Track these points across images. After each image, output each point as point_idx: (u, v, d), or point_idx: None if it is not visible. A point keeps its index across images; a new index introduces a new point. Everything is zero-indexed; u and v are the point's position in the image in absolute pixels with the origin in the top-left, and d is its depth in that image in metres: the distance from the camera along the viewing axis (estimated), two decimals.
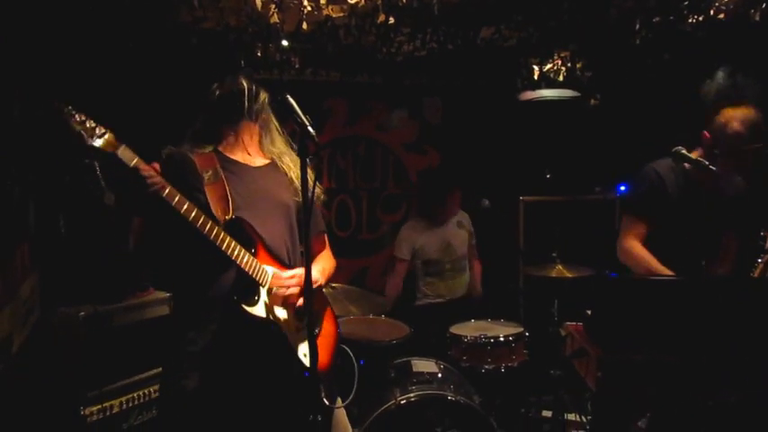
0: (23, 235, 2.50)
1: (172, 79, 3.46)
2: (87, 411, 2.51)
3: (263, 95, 1.85)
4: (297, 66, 3.69)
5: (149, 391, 2.75)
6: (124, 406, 2.66)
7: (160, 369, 2.74)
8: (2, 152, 2.26)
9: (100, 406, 2.56)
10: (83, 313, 2.54)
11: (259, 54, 3.46)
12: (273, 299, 1.73)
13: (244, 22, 3.07)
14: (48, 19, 2.65)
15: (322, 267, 1.98)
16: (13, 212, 2.39)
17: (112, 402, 2.61)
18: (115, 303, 2.69)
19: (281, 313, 1.75)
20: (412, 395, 2.58)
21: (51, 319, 2.59)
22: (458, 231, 3.73)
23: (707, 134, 2.34)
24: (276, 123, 1.91)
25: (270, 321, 1.70)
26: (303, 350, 1.75)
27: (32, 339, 2.47)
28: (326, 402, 1.80)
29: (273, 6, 2.76)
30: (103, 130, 1.44)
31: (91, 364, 2.55)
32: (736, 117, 2.28)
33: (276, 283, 1.74)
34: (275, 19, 2.85)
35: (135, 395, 2.70)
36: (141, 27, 3.06)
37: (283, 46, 3.42)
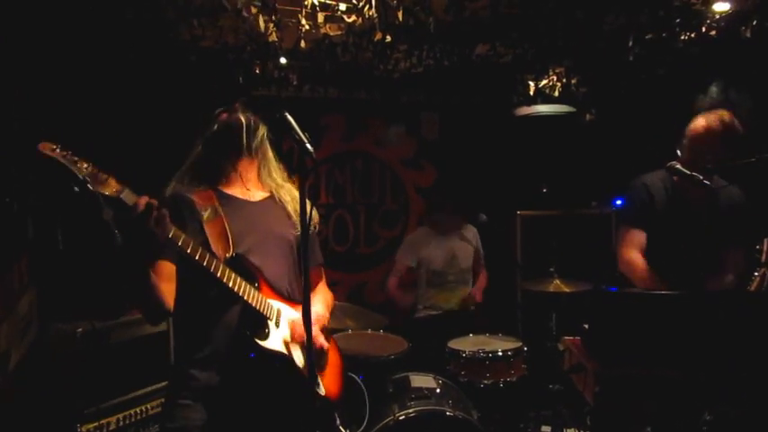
0: (22, 250, 2.51)
1: (171, 96, 3.49)
2: (84, 428, 2.49)
3: (262, 130, 1.82)
4: (295, 83, 3.72)
5: (146, 408, 2.73)
6: (121, 423, 2.64)
7: (157, 385, 2.75)
8: (1, 168, 2.28)
9: (97, 423, 2.54)
10: (80, 329, 2.54)
11: (257, 71, 3.50)
12: (283, 332, 1.73)
13: (242, 41, 3.11)
14: (47, 34, 2.68)
15: (325, 302, 1.98)
16: (11, 227, 2.40)
17: (109, 419, 2.59)
18: (113, 319, 2.68)
19: (292, 346, 1.75)
20: (410, 411, 2.57)
21: (49, 336, 2.58)
22: (464, 244, 3.73)
23: (683, 137, 2.42)
24: (273, 155, 1.90)
25: (284, 354, 1.69)
26: (317, 381, 1.76)
27: (30, 355, 2.47)
28: (342, 430, 1.80)
29: (272, 25, 2.80)
30: (105, 176, 1.41)
31: (88, 380, 2.53)
32: (703, 114, 2.37)
33: (296, 326, 1.74)
34: (273, 37, 2.89)
35: (132, 412, 2.68)
36: (140, 45, 3.09)
37: (281, 64, 3.46)
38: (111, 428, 2.59)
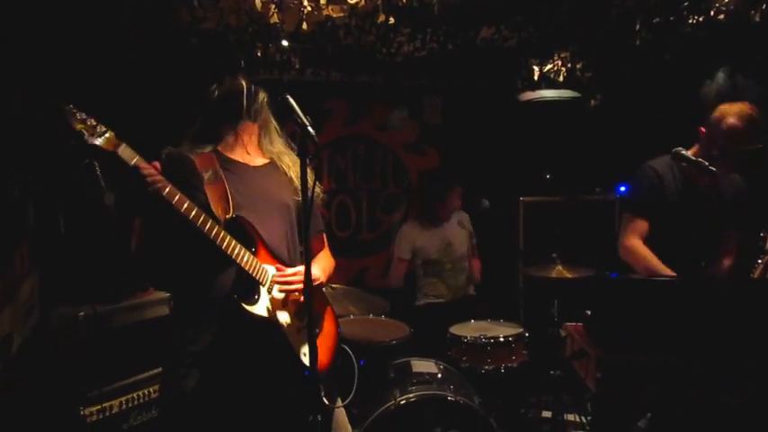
0: (23, 235, 2.50)
1: (172, 79, 3.46)
2: (87, 412, 2.51)
3: (262, 95, 1.85)
4: (297, 66, 3.69)
5: (149, 392, 2.74)
6: (124, 406, 2.65)
7: (160, 369, 2.75)
8: (2, 152, 2.27)
9: (99, 406, 2.56)
10: (82, 314, 2.54)
11: (259, 54, 3.46)
12: (274, 298, 1.73)
13: (244, 23, 3.07)
14: (48, 18, 2.65)
15: (322, 266, 1.98)
16: (12, 213, 2.39)
17: (112, 403, 2.61)
18: (115, 304, 2.68)
19: (281, 312, 1.75)
20: (411, 395, 2.58)
21: (51, 320, 2.59)
22: (458, 231, 3.73)
23: (703, 129, 2.35)
24: (275, 123, 1.91)
25: (270, 320, 1.70)
26: (304, 350, 1.75)
27: (32, 340, 2.47)
28: (326, 402, 1.79)
29: (273, 6, 2.76)
30: (104, 129, 1.44)
31: (90, 364, 2.54)
32: (731, 112, 2.29)
33: (279, 279, 1.74)
34: (275, 19, 2.86)
35: (135, 395, 2.70)
36: (141, 27, 3.06)
37: (283, 46, 3.42)
38: (113, 412, 2.61)
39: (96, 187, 2.63)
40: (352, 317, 3.05)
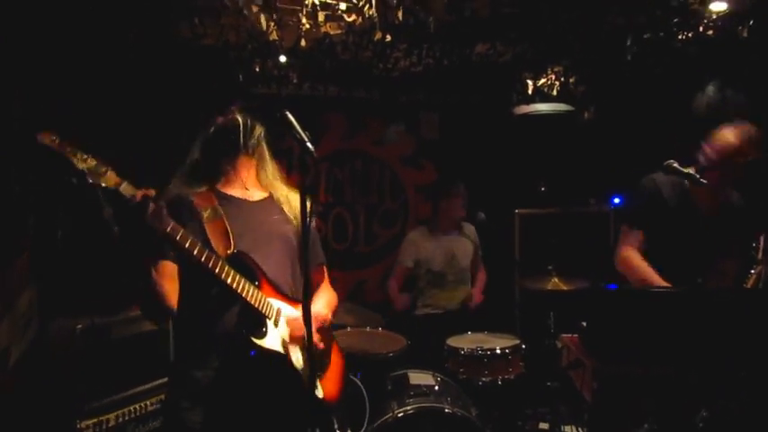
0: (22, 247, 2.51)
1: (172, 94, 3.49)
2: (83, 424, 2.50)
3: (259, 129, 1.83)
4: (295, 81, 3.73)
5: (145, 405, 2.74)
6: (120, 419, 2.64)
7: (157, 382, 2.75)
8: (2, 163, 2.28)
9: (96, 419, 2.55)
10: (80, 326, 2.54)
11: (258, 70, 3.50)
12: (281, 331, 1.73)
13: (243, 39, 3.11)
14: (49, 29, 2.69)
15: (327, 302, 1.97)
16: (11, 224, 2.40)
17: (108, 416, 2.60)
18: (113, 316, 2.69)
19: (290, 346, 1.75)
20: (409, 408, 2.58)
21: (49, 332, 2.59)
22: (463, 242, 3.73)
23: (707, 147, 2.38)
24: (270, 155, 1.90)
25: (281, 354, 1.69)
26: (315, 382, 1.76)
27: (30, 352, 2.47)
28: None
29: (273, 24, 2.81)
30: (105, 168, 1.41)
31: (88, 376, 2.54)
32: (732, 131, 2.32)
33: (294, 325, 1.74)
34: (274, 36, 2.90)
35: (131, 408, 2.69)
36: (142, 42, 3.10)
37: (282, 62, 3.46)
38: (110, 425, 2.60)
39: (94, 200, 2.64)
40: (348, 329, 3.06)
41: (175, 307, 1.65)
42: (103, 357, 2.60)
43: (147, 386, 2.74)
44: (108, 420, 2.60)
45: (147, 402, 2.74)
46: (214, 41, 3.12)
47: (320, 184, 4.48)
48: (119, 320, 2.70)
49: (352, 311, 3.10)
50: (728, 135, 2.31)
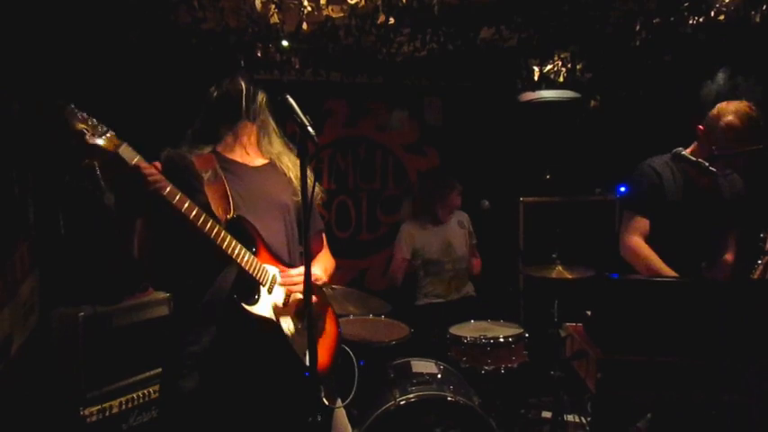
0: (23, 235, 2.50)
1: (172, 79, 3.46)
2: (86, 412, 2.51)
3: (261, 96, 1.85)
4: (297, 66, 3.69)
5: (149, 392, 2.75)
6: (123, 407, 2.65)
7: (159, 370, 2.75)
8: (2, 151, 2.27)
9: (99, 407, 2.56)
10: (82, 314, 2.54)
11: (259, 54, 3.46)
12: (275, 298, 1.73)
13: (244, 23, 3.07)
14: (47, 18, 2.65)
15: (323, 266, 1.99)
16: (12, 212, 2.39)
17: (112, 403, 2.61)
18: (115, 304, 2.69)
19: (282, 313, 1.75)
20: (411, 396, 2.58)
21: (51, 320, 2.59)
22: (458, 231, 3.73)
23: (701, 127, 2.35)
24: (274, 124, 1.91)
25: (271, 320, 1.70)
26: (304, 350, 1.74)
27: (32, 340, 2.47)
28: (327, 403, 1.79)
29: (273, 7, 2.76)
30: (105, 129, 1.44)
31: (90, 364, 2.54)
32: (729, 110, 2.29)
33: (285, 280, 1.74)
34: (275, 19, 2.85)
35: (134, 396, 2.70)
36: (141, 28, 3.06)
37: (283, 46, 3.42)
38: (113, 412, 2.61)
39: (96, 187, 2.63)
40: (352, 317, 3.05)
41: (168, 261, 1.66)
42: (106, 345, 2.60)
43: (150, 374, 2.75)
44: (111, 407, 2.61)
45: (150, 390, 2.75)
46: (214, 26, 3.08)
47: (323, 171, 4.46)
48: (121, 308, 2.70)
49: (357, 299, 3.09)
50: (729, 116, 2.28)
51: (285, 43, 3.36)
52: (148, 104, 3.36)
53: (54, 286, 2.71)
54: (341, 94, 4.43)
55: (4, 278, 2.18)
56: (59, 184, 2.76)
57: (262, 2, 2.67)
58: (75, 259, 2.76)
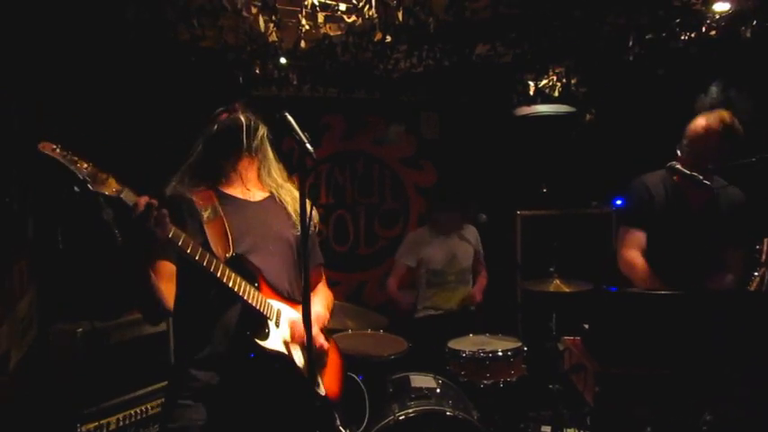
0: (22, 251, 2.51)
1: (171, 96, 3.49)
2: (84, 428, 2.50)
3: (262, 130, 1.82)
4: (295, 82, 3.72)
5: (146, 408, 2.73)
6: (121, 423, 2.64)
7: (157, 386, 2.75)
8: (1, 167, 2.28)
9: (97, 423, 2.55)
10: (80, 330, 2.54)
11: (257, 71, 3.50)
12: (283, 332, 1.73)
13: (242, 41, 3.11)
14: (47, 33, 2.68)
15: (325, 303, 1.98)
16: (11, 228, 2.40)
17: (109, 419, 2.60)
18: (113, 320, 2.69)
19: (292, 345, 1.75)
20: (410, 411, 2.57)
21: (49, 336, 2.58)
22: (463, 244, 3.73)
23: (683, 139, 2.41)
24: (273, 155, 1.90)
25: (284, 354, 1.69)
26: (315, 381, 1.76)
27: (30, 356, 2.47)
28: (342, 430, 1.80)
29: (272, 25, 2.80)
30: (105, 175, 1.42)
31: (88, 380, 2.54)
32: (705, 116, 2.36)
33: (296, 327, 1.74)
34: (274, 37, 2.89)
35: (132, 412, 2.69)
36: (140, 45, 3.09)
37: (281, 63, 3.46)
38: (111, 428, 2.60)
39: (95, 203, 2.63)
40: (350, 331, 3.05)
41: (172, 307, 1.65)
42: (104, 361, 2.60)
43: (148, 390, 2.74)
44: (109, 424, 2.60)
45: (148, 406, 2.74)
46: (213, 43, 3.12)
47: (321, 185, 4.48)
48: (119, 324, 2.70)
49: (356, 314, 3.09)
50: (699, 120, 2.36)
51: (283, 60, 3.39)
52: (147, 120, 3.39)
53: (52, 302, 2.71)
54: (338, 109, 4.47)
55: (2, 294, 2.18)
56: (58, 201, 2.77)
57: (263, 20, 2.71)
58: (74, 275, 2.76)
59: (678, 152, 2.43)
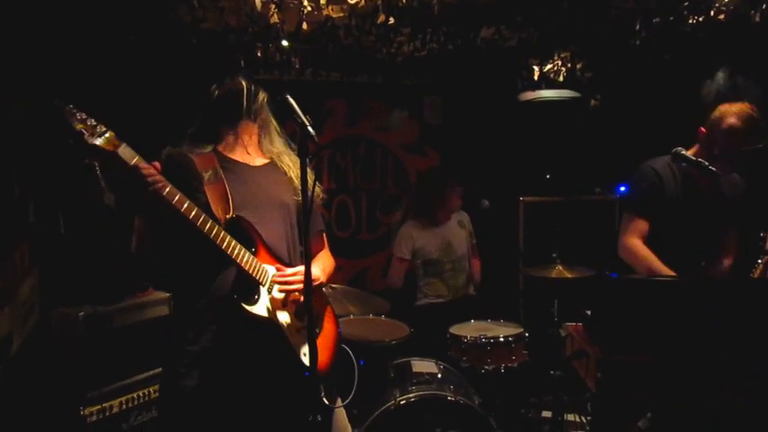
0: (23, 235, 2.50)
1: (172, 79, 3.46)
2: (87, 412, 2.51)
3: (262, 95, 1.85)
4: (297, 66, 3.69)
5: (149, 392, 2.75)
6: (124, 406, 2.66)
7: (159, 369, 2.75)
8: (2, 151, 2.27)
9: (99, 406, 2.56)
10: (82, 314, 2.54)
11: (259, 54, 3.47)
12: (274, 298, 1.73)
13: (244, 23, 3.07)
14: (47, 17, 2.65)
15: (322, 266, 1.98)
16: (12, 212, 2.39)
17: (112, 403, 2.61)
18: (115, 304, 2.69)
19: (281, 313, 1.75)
20: (412, 396, 2.58)
21: (51, 320, 2.59)
22: (458, 231, 3.73)
23: (703, 129, 2.35)
24: (275, 123, 1.91)
25: (270, 320, 1.70)
26: (304, 350, 1.75)
27: (32, 340, 2.47)
28: (326, 402, 1.79)
29: (273, 6, 2.76)
30: (104, 129, 1.44)
31: (90, 364, 2.55)
32: (731, 112, 2.29)
33: (279, 279, 1.74)
34: (275, 19, 2.85)
35: (134, 395, 2.70)
36: (141, 27, 3.06)
37: (283, 46, 3.42)
38: (113, 412, 2.61)
39: (96, 187, 2.63)
40: (352, 317, 3.05)
41: (167, 260, 1.67)
42: (106, 345, 2.60)
43: (150, 373, 2.75)
44: (111, 407, 2.61)
45: (150, 389, 2.75)
46: (214, 25, 3.08)
47: (323, 170, 4.46)
48: (121, 308, 2.70)
49: (358, 299, 3.09)
50: (730, 118, 2.28)
51: (285, 43, 3.36)
52: (148, 103, 3.36)
53: (54, 286, 2.71)
54: (341, 93, 4.43)
55: (4, 278, 2.18)
56: (60, 185, 2.76)
57: (262, 2, 2.67)
58: (75, 259, 2.76)
59: (700, 144, 2.37)
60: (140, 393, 2.71)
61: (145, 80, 3.38)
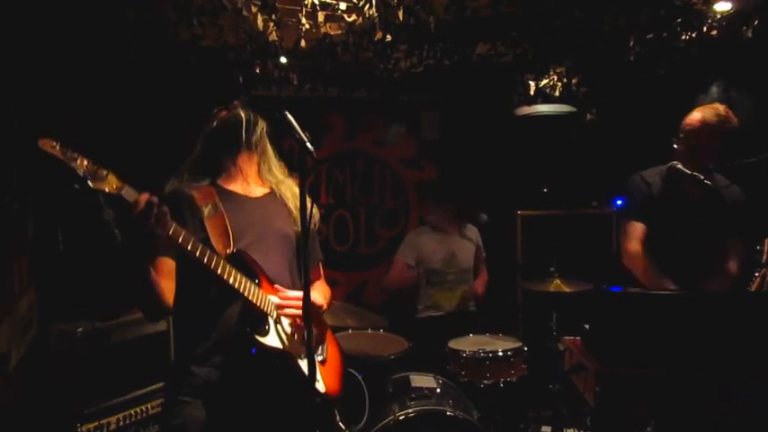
0: (22, 250, 2.51)
1: (170, 95, 3.49)
2: (84, 428, 2.49)
3: (261, 125, 1.83)
4: (295, 82, 3.72)
5: (147, 408, 2.73)
6: (121, 422, 2.64)
7: (158, 385, 2.74)
8: (1, 167, 2.28)
9: (97, 423, 2.55)
10: (80, 329, 2.54)
11: (258, 71, 3.49)
12: (282, 328, 1.73)
13: (242, 40, 3.10)
14: (47, 34, 2.68)
15: (322, 293, 1.97)
16: (11, 227, 2.40)
17: (109, 419, 2.60)
18: (113, 319, 2.69)
19: (291, 341, 1.74)
20: (410, 411, 2.57)
21: (49, 336, 2.58)
22: (464, 243, 3.73)
23: (676, 146, 2.43)
24: (273, 151, 1.90)
25: (284, 350, 1.69)
26: (315, 376, 1.75)
27: (30, 355, 2.47)
28: (342, 426, 1.79)
29: (272, 24, 2.80)
30: (105, 172, 1.41)
31: (88, 380, 2.54)
32: (701, 110, 2.38)
33: (282, 302, 1.73)
34: (274, 37, 2.89)
35: (132, 411, 2.69)
36: (140, 45, 3.09)
37: (282, 63, 3.46)
38: (111, 428, 2.59)
39: (95, 203, 2.63)
40: (350, 331, 3.05)
41: (172, 304, 1.64)
42: (104, 361, 2.59)
43: (148, 389, 2.74)
44: (109, 424, 2.59)
45: (149, 405, 2.74)
46: (213, 43, 3.11)
47: (321, 185, 4.48)
48: (119, 324, 2.70)
49: (356, 314, 3.09)
50: (694, 113, 2.38)
51: (284, 60, 3.39)
52: (147, 120, 3.39)
53: (52, 301, 2.71)
54: (339, 108, 4.47)
55: (2, 293, 2.18)
56: (59, 199, 2.76)
57: (260, 19, 2.71)
58: (74, 275, 2.76)
59: (675, 146, 2.44)
60: (138, 410, 2.70)
61: (144, 96, 3.41)
